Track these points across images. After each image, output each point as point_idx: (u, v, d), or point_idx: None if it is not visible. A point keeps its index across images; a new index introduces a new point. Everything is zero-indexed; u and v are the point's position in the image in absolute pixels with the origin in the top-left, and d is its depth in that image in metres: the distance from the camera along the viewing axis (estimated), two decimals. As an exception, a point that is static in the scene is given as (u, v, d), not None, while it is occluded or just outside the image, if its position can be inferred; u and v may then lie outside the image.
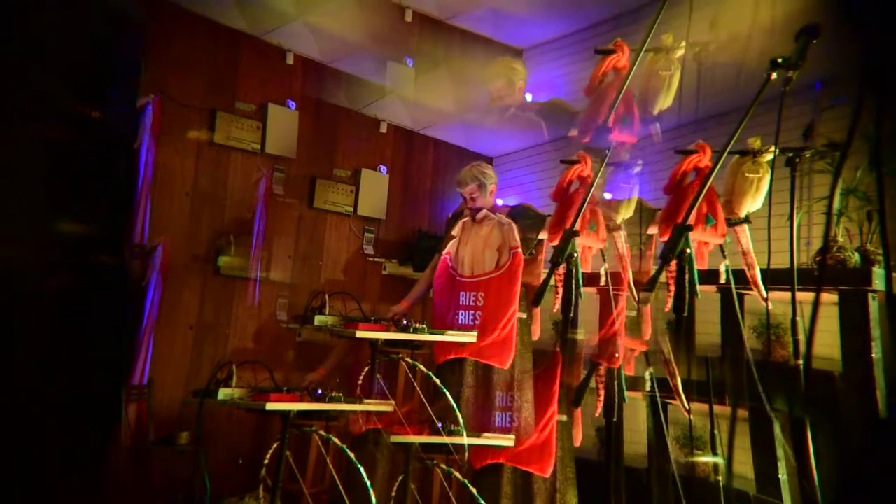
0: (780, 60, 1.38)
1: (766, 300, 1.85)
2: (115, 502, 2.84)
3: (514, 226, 2.57)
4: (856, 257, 2.18)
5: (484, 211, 2.66)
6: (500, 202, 4.73)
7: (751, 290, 2.39)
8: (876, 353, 1.98)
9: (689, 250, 1.33)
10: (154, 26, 3.21)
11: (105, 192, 2.68)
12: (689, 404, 2.20)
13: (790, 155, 1.59)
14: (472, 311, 2.53)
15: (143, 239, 3.05)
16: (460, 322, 2.53)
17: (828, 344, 2.13)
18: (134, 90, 3.09)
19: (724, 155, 1.51)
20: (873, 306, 2.02)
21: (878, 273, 2.07)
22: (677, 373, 2.04)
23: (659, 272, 1.42)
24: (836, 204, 2.03)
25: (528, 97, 4.51)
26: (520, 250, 2.52)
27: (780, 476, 2.17)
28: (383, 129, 4.18)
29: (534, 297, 1.62)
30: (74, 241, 2.39)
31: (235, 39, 3.59)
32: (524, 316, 2.57)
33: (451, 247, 2.66)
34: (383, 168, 4.13)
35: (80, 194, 2.44)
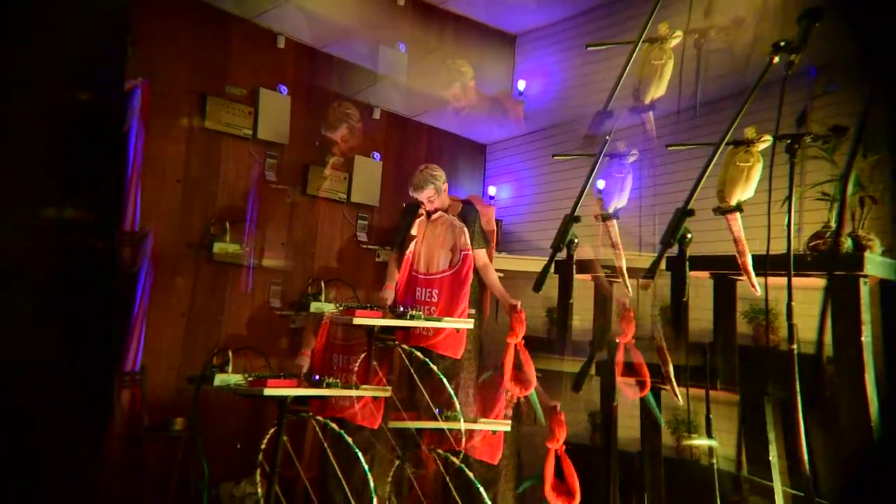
0: (782, 44, 1.38)
1: (754, 287, 1.87)
2: (109, 489, 2.82)
3: (465, 229, 2.72)
4: (848, 243, 2.21)
5: (439, 211, 2.77)
6: (492, 190, 4.73)
7: (742, 276, 2.42)
8: (866, 336, 2.02)
9: (689, 235, 1.34)
10: (140, 8, 3.12)
11: (94, 177, 2.63)
12: (679, 390, 2.24)
13: (789, 141, 1.60)
14: (428, 307, 2.67)
15: (134, 225, 3.00)
16: None
17: (817, 328, 2.16)
18: (121, 73, 3.02)
19: (722, 145, 1.52)
20: (864, 291, 2.06)
21: (869, 258, 2.11)
22: (669, 360, 2.06)
23: (660, 258, 1.42)
24: (851, 188, 2.04)
25: (521, 84, 4.50)
26: (470, 253, 2.68)
27: (770, 458, 2.21)
28: (376, 115, 4.14)
29: (534, 284, 1.63)
30: (64, 228, 2.34)
31: (225, 22, 3.51)
32: (473, 311, 2.70)
33: (412, 245, 2.78)
34: (377, 155, 4.09)
35: (69, 179, 2.39)
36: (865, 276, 2.06)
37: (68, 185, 2.38)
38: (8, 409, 1.95)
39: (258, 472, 2.36)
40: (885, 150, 2.07)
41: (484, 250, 2.80)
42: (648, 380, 2.30)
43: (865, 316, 2.03)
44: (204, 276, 3.36)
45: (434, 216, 2.78)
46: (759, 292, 1.88)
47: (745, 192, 1.86)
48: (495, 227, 2.90)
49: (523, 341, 2.56)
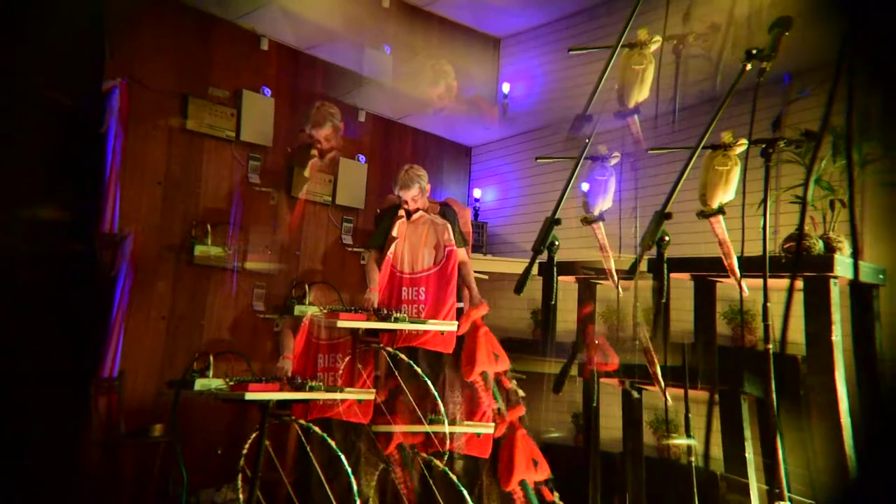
0: (754, 52, 1.42)
1: (740, 286, 1.91)
2: (86, 496, 2.77)
3: (448, 225, 2.75)
4: (819, 245, 2.27)
5: (420, 211, 2.77)
6: (477, 192, 4.76)
7: (722, 277, 2.47)
8: (836, 335, 2.07)
9: (667, 237, 1.36)
10: (120, 8, 3.08)
11: (71, 178, 2.58)
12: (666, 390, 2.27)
13: (764, 146, 1.64)
14: (414, 305, 2.67)
15: (113, 228, 2.95)
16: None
17: (792, 328, 2.21)
18: (98, 73, 2.97)
19: (698, 150, 1.55)
20: (834, 291, 2.11)
21: (839, 260, 2.17)
22: (656, 360, 2.09)
23: (638, 260, 1.45)
24: (810, 194, 2.10)
25: (506, 87, 4.54)
26: (454, 248, 2.72)
27: (746, 455, 2.26)
28: (361, 117, 4.14)
29: (516, 286, 1.64)
30: (40, 230, 2.30)
31: (207, 23, 3.48)
32: (461, 305, 2.71)
33: (392, 247, 2.78)
34: (361, 157, 4.09)
35: (45, 181, 2.34)
36: (835, 277, 2.12)
37: (44, 186, 2.34)
38: (-20, 416, 1.90)
39: (240, 477, 2.34)
40: (845, 155, 2.13)
41: (464, 249, 2.82)
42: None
43: (836, 316, 2.09)
44: (185, 280, 3.31)
45: (415, 216, 2.79)
46: (747, 292, 1.92)
47: (725, 194, 1.89)
48: (471, 229, 2.93)
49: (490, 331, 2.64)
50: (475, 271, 2.89)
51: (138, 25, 3.20)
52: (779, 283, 1.87)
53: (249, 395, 2.06)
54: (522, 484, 2.49)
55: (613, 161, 2.33)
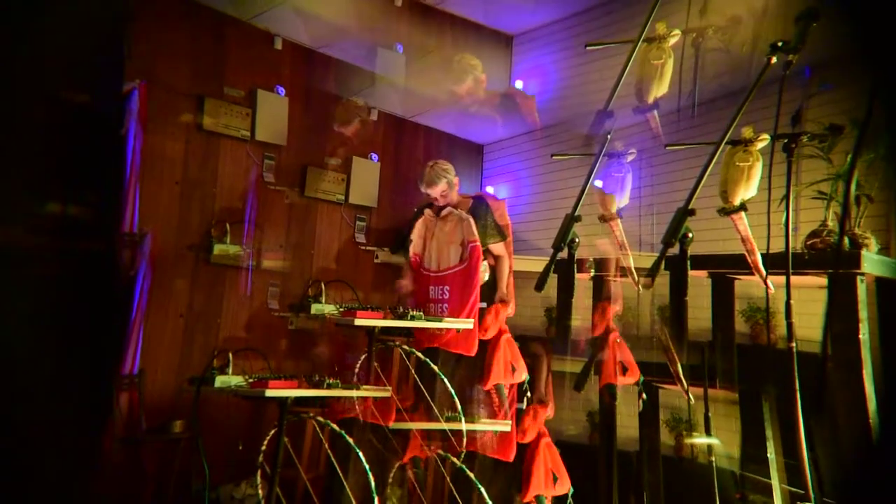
0: (780, 44, 1.39)
1: (766, 284, 1.87)
2: (108, 492, 2.81)
3: (471, 220, 2.67)
4: (845, 241, 2.23)
5: (448, 207, 2.72)
6: (490, 190, 4.75)
7: (741, 275, 2.43)
8: (863, 333, 2.03)
9: (690, 234, 1.35)
10: (138, 10, 3.12)
11: (92, 179, 2.61)
12: (689, 389, 2.24)
13: (786, 141, 1.61)
14: (440, 305, 2.63)
15: (133, 227, 3.00)
16: (431, 314, 2.63)
17: (816, 326, 2.17)
18: (119, 75, 3.01)
19: (722, 145, 1.53)
20: (861, 289, 2.07)
21: (866, 256, 2.12)
22: (678, 359, 2.07)
23: (661, 257, 1.43)
24: (853, 188, 2.06)
25: (519, 84, 4.51)
26: (477, 244, 2.64)
27: (768, 455, 2.23)
28: (374, 116, 4.15)
29: (536, 283, 1.63)
30: (62, 230, 2.34)
31: (222, 24, 3.51)
32: (484, 305, 2.66)
33: (418, 247, 2.74)
34: (374, 156, 4.10)
35: (67, 181, 2.38)
36: (862, 274, 2.08)
37: (66, 187, 2.37)
38: (4, 412, 1.94)
39: (258, 473, 2.36)
40: (883, 148, 2.08)
41: (501, 244, 2.72)
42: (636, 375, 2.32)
43: (863, 313, 2.04)
44: (202, 278, 3.35)
45: (444, 213, 2.72)
46: (773, 290, 1.88)
47: (747, 191, 1.86)
48: (509, 221, 2.83)
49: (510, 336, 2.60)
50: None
51: (155, 27, 3.24)
52: (798, 281, 1.83)
53: (270, 392, 2.08)
54: (539, 499, 2.46)
55: (630, 158, 2.30)
